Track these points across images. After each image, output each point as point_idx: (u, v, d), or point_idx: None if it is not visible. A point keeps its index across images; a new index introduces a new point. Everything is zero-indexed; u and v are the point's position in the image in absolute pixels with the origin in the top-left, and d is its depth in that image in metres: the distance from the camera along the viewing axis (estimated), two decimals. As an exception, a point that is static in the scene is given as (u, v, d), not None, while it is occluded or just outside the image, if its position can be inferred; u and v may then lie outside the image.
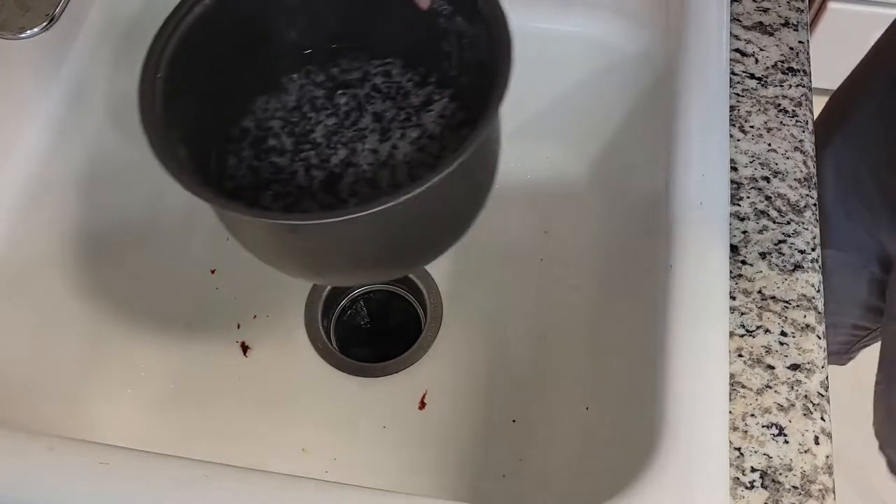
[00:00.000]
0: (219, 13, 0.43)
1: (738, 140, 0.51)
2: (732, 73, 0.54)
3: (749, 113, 0.52)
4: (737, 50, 0.55)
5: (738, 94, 0.53)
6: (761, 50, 0.55)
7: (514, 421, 0.57)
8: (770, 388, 0.44)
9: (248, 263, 0.63)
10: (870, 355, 1.33)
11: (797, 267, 0.47)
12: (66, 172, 0.54)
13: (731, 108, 0.52)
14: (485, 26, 0.41)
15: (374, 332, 0.65)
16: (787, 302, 0.46)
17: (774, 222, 0.49)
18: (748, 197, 0.50)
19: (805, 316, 0.46)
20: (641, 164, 0.57)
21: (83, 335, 0.56)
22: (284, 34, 0.47)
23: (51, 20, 0.53)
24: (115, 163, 0.58)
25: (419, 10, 0.44)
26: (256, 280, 0.62)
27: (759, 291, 0.47)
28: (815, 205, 0.50)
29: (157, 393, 0.58)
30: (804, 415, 0.43)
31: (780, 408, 0.43)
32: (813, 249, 0.48)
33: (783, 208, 0.49)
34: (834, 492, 0.41)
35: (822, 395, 0.44)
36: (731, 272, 0.47)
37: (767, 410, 0.43)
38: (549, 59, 0.59)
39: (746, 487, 0.42)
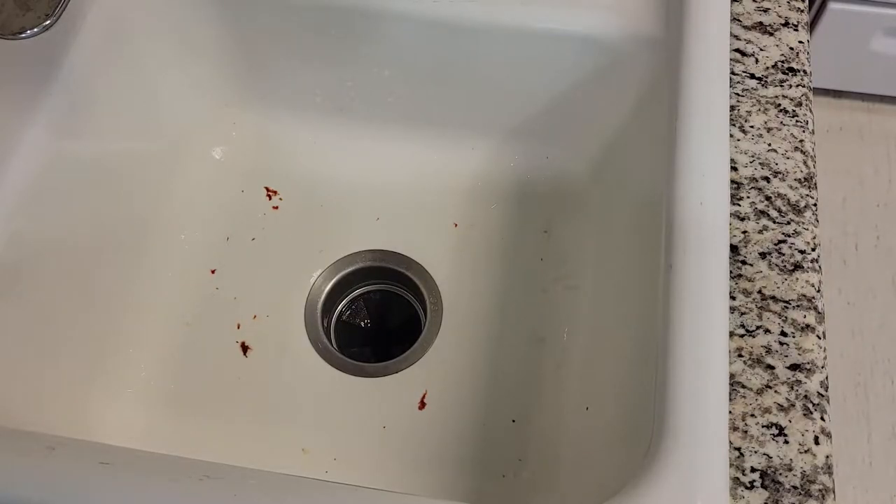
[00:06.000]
0: None
1: (738, 140, 0.51)
2: (732, 73, 0.54)
3: (749, 113, 0.52)
4: (737, 50, 0.55)
5: (738, 94, 0.53)
6: (761, 50, 0.55)
7: (513, 421, 0.57)
8: (770, 388, 0.44)
9: (248, 263, 0.63)
10: (869, 356, 1.34)
11: (797, 267, 0.47)
12: (66, 172, 0.54)
13: (731, 108, 0.52)
14: None
15: (374, 332, 0.65)
16: (787, 302, 0.46)
17: (774, 222, 0.49)
18: (748, 197, 0.50)
19: (805, 316, 0.46)
20: (641, 164, 0.57)
21: (83, 335, 0.56)
22: None
23: (51, 20, 0.53)
24: (115, 162, 0.59)
25: None
26: (256, 280, 0.62)
27: (759, 291, 0.47)
28: (814, 205, 0.50)
29: (157, 393, 0.58)
30: (804, 415, 0.43)
31: (780, 408, 0.43)
32: (813, 249, 0.48)
33: (783, 208, 0.49)
34: (834, 492, 0.41)
35: (822, 395, 0.44)
36: (731, 272, 0.47)
37: (767, 410, 0.43)
38: (549, 59, 0.59)
39: (746, 487, 0.42)
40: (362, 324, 0.65)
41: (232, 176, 0.65)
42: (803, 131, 0.52)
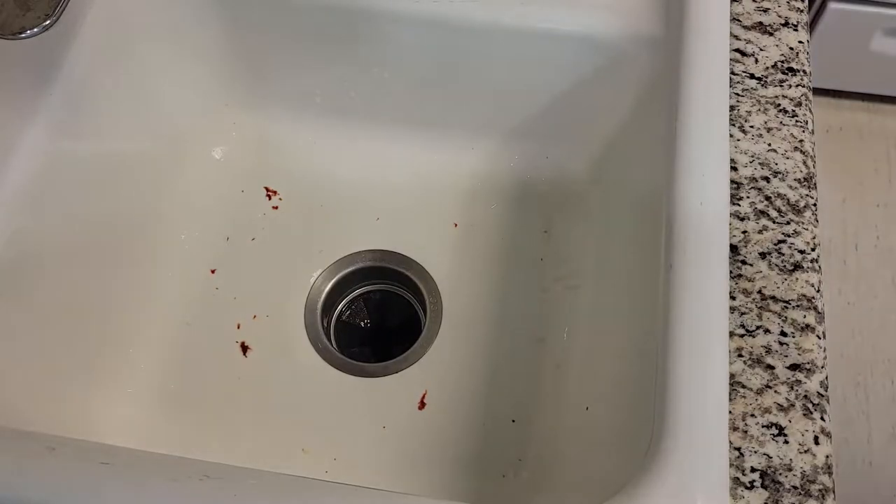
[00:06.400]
0: None
1: (738, 140, 0.51)
2: (732, 73, 0.54)
3: (749, 113, 0.52)
4: (737, 50, 0.55)
5: (738, 94, 0.53)
6: (761, 50, 0.55)
7: (513, 421, 0.57)
8: (770, 388, 0.44)
9: (248, 263, 0.63)
10: (869, 356, 1.34)
11: (797, 267, 0.47)
12: (66, 172, 0.54)
13: (731, 108, 0.52)
14: None
15: (374, 332, 0.65)
16: (786, 302, 0.46)
17: (774, 222, 0.49)
18: (748, 197, 0.50)
19: (805, 316, 0.46)
20: (641, 164, 0.57)
21: (83, 335, 0.56)
22: None
23: (51, 20, 0.53)
24: (115, 162, 0.59)
25: None
26: (256, 280, 0.62)
27: (759, 291, 0.47)
28: (814, 205, 0.50)
29: (157, 393, 0.58)
30: (804, 415, 0.43)
31: (780, 408, 0.43)
32: (813, 249, 0.48)
33: (783, 208, 0.49)
34: (834, 492, 0.41)
35: (822, 395, 0.44)
36: (731, 272, 0.47)
37: (767, 410, 0.43)
38: (549, 59, 0.59)
39: (746, 487, 0.42)
40: (362, 324, 0.65)
41: (232, 176, 0.66)
42: (803, 131, 0.52)
